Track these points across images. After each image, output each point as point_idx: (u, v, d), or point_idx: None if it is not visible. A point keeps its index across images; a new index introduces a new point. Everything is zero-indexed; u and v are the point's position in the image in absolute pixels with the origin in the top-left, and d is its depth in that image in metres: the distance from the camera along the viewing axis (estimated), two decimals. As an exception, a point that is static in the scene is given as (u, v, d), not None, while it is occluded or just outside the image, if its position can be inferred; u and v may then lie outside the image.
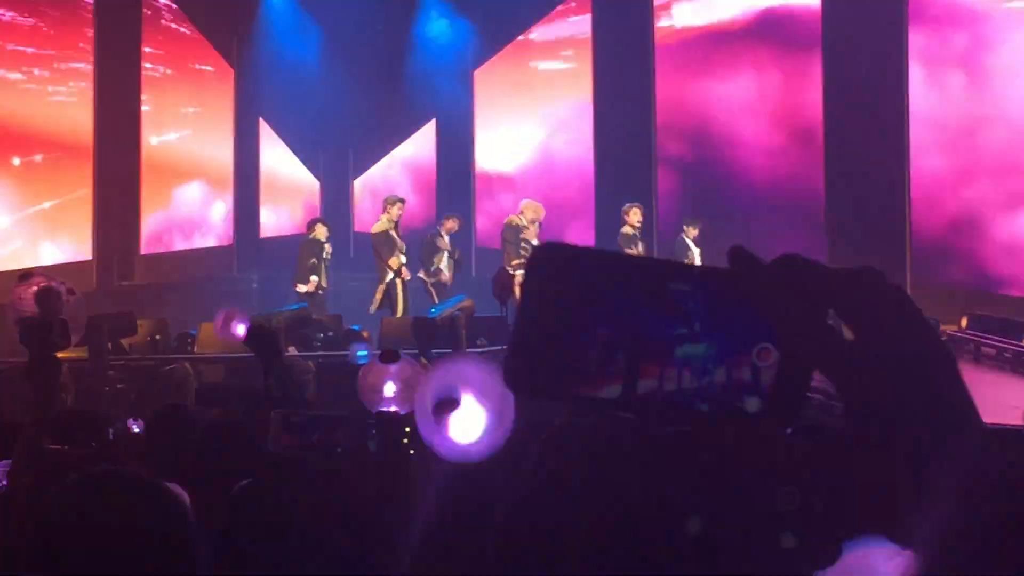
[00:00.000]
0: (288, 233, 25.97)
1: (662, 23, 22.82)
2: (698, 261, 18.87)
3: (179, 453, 5.90)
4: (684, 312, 1.15)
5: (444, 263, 20.22)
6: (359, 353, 9.43)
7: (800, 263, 1.18)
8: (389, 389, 6.37)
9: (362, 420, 6.76)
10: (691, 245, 20.05)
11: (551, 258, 1.16)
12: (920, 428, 1.13)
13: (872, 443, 1.14)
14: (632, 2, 23.12)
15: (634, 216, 19.56)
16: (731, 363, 1.14)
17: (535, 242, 18.46)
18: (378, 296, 19.84)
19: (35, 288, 12.53)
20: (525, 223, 19.16)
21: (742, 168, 21.21)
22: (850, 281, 1.18)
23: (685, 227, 20.41)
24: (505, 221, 20.09)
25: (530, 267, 1.16)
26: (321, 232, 20.86)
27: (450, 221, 20.89)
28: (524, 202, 19.92)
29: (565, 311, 1.14)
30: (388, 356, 6.30)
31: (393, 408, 6.44)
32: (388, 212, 20.16)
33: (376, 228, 20.20)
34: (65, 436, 6.20)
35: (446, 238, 20.56)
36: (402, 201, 20.61)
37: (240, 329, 8.80)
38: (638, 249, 19.15)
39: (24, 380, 11.44)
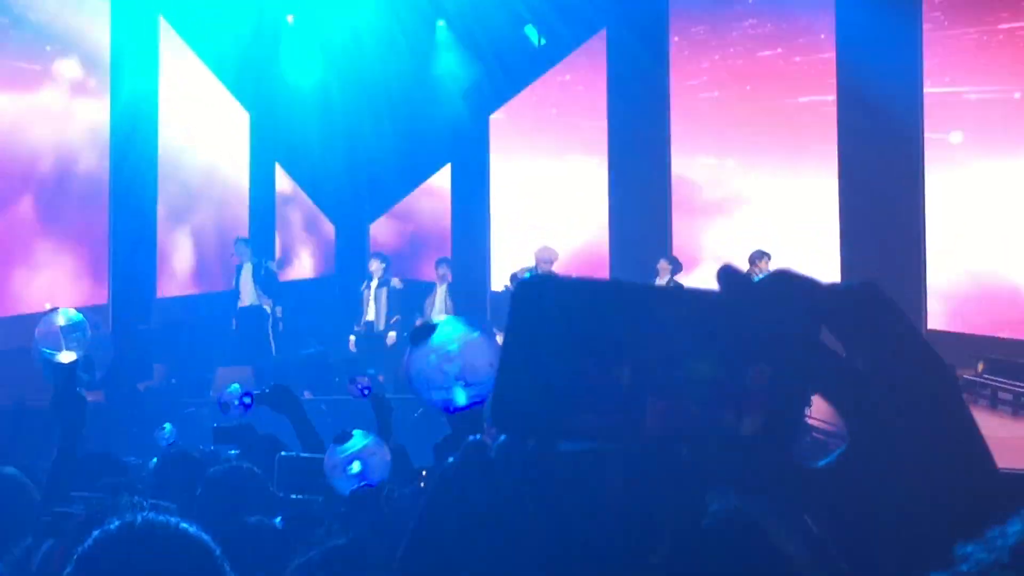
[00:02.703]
0: (304, 276, 26.01)
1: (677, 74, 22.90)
2: None
3: (187, 496, 5.91)
4: (679, 337, 1.13)
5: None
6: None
7: (792, 279, 1.17)
8: (355, 467, 6.20)
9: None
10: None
11: (539, 292, 1.15)
12: (921, 447, 1.12)
13: (872, 466, 1.12)
14: (646, 50, 23.16)
15: (764, 265, 18.99)
16: (728, 385, 1.13)
17: None
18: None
19: (60, 323, 12.51)
20: (534, 268, 19.02)
21: (759, 221, 21.24)
22: (843, 297, 1.16)
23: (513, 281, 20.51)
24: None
25: (517, 302, 1.15)
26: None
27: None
28: (540, 249, 19.82)
29: (557, 344, 1.13)
30: (340, 438, 6.12)
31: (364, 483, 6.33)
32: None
33: None
34: (86, 479, 6.20)
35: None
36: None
37: (246, 400, 8.79)
38: None
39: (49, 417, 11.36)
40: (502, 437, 1.16)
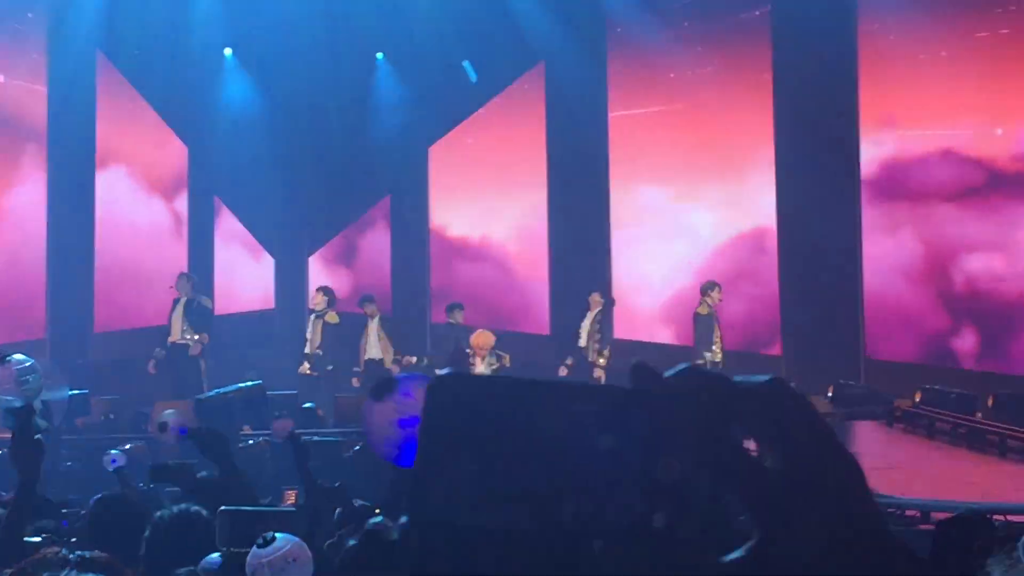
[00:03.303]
0: (242, 310, 25.90)
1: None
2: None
3: (126, 542, 5.87)
4: (592, 433, 1.14)
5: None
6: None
7: (702, 375, 1.18)
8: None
9: (311, 511, 6.71)
10: (463, 328, 20.25)
11: (454, 389, 1.15)
12: (831, 542, 1.13)
13: (783, 561, 1.13)
14: (585, 82, 23.24)
15: (716, 295, 19.07)
16: (640, 480, 1.14)
17: (480, 367, 18.50)
18: None
19: (12, 369, 12.40)
20: (472, 353, 18.97)
21: (697, 233, 21.31)
22: (754, 394, 1.17)
23: (451, 312, 20.61)
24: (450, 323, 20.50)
25: (431, 399, 1.15)
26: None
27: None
28: (475, 335, 19.72)
29: (471, 441, 1.13)
30: (263, 543, 5.97)
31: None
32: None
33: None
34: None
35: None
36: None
37: (175, 435, 8.72)
38: (716, 330, 18.86)
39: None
40: (403, 519, 1.16)
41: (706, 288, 19.09)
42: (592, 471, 1.13)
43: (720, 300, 18.93)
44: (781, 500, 1.14)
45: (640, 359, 1.17)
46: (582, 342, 20.31)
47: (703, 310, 18.94)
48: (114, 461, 9.77)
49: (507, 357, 19.36)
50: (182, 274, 20.62)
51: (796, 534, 1.14)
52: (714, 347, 18.74)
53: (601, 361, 20.04)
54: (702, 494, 1.14)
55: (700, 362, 18.49)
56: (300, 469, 8.61)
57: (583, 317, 20.34)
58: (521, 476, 1.13)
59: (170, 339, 19.78)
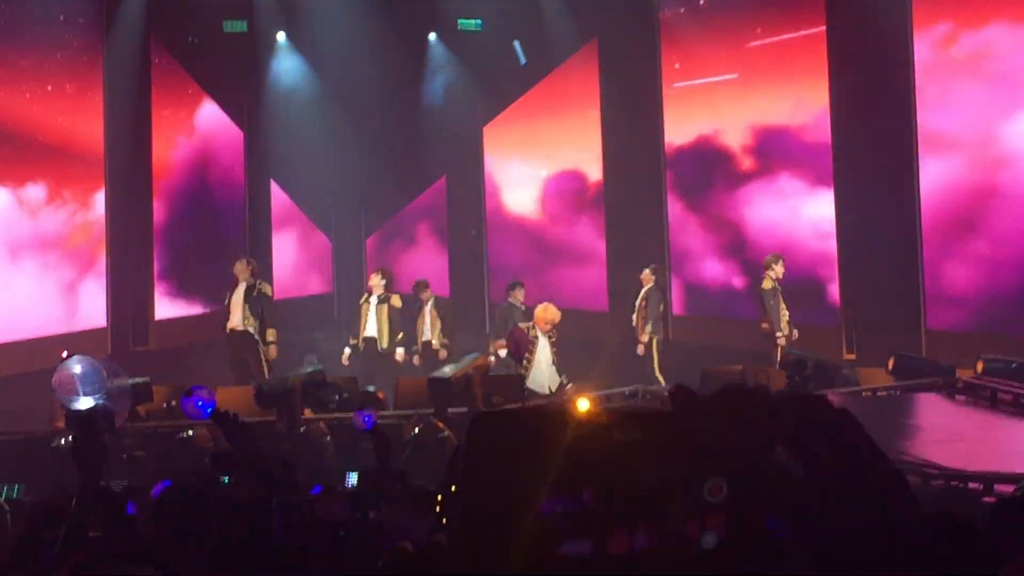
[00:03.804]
0: (302, 294, 26.02)
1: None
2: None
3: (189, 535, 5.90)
4: (636, 458, 1.14)
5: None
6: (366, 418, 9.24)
7: (741, 395, 1.17)
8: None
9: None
10: (520, 308, 20.14)
11: (495, 425, 1.15)
12: (884, 557, 1.12)
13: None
14: (638, 58, 23.17)
15: (780, 268, 18.93)
16: (687, 502, 1.13)
17: (541, 339, 18.39)
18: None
19: (76, 371, 12.50)
20: (537, 333, 18.71)
21: (750, 209, 21.24)
22: (794, 411, 1.16)
23: (511, 290, 20.55)
24: (509, 302, 20.44)
25: (472, 439, 1.15)
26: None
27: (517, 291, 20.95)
28: (540, 308, 19.50)
29: (516, 478, 1.13)
30: None
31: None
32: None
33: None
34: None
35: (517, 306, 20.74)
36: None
37: (200, 406, 8.63)
38: (781, 303, 18.77)
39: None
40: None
41: (769, 261, 18.96)
42: (639, 496, 1.13)
43: (784, 273, 18.82)
44: (824, 519, 1.13)
45: (679, 383, 1.17)
46: (634, 320, 20.32)
47: (767, 284, 18.81)
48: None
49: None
50: (241, 258, 20.61)
51: (844, 543, 1.13)
52: (783, 323, 18.65)
53: (644, 338, 20.01)
54: (750, 512, 1.14)
55: (780, 337, 18.45)
56: (380, 462, 8.55)
57: (637, 294, 20.32)
58: (568, 505, 1.12)
59: (229, 325, 19.75)
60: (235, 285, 19.85)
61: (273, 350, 19.52)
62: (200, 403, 8.49)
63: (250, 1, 23.82)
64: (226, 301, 19.86)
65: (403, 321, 20.76)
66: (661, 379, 19.45)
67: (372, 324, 20.69)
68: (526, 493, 1.15)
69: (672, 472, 1.15)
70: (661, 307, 20.39)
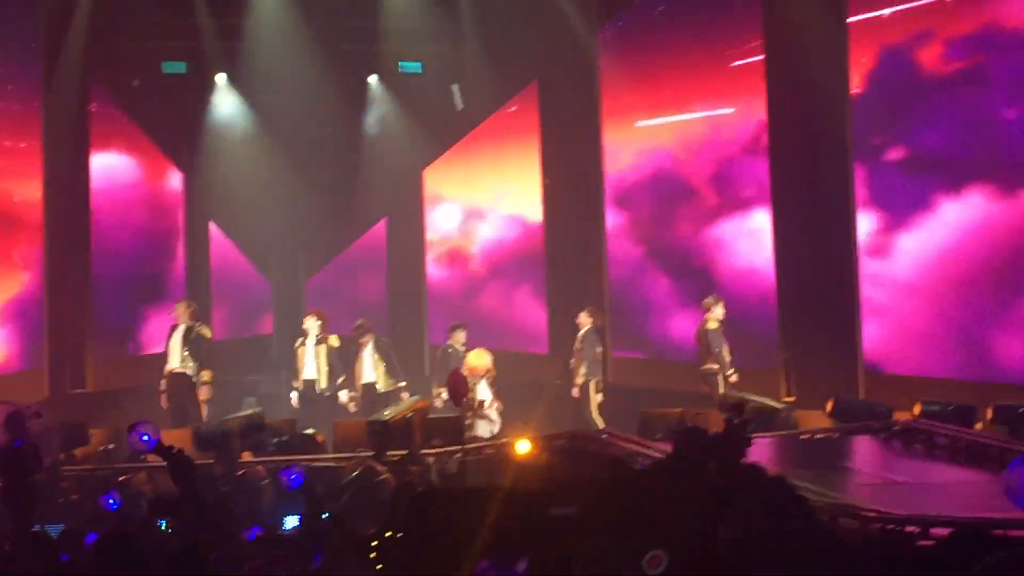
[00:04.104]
0: (241, 335, 25.92)
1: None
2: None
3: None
4: (573, 531, 1.15)
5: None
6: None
7: (678, 470, 1.19)
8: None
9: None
10: (461, 350, 20.21)
11: (430, 504, 1.16)
12: None
13: None
14: (578, 103, 23.24)
15: (720, 310, 18.97)
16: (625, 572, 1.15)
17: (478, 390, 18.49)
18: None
19: (2, 416, 12.41)
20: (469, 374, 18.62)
21: (693, 241, 21.27)
22: (730, 481, 1.18)
23: (452, 332, 20.64)
24: (449, 344, 20.53)
25: (412, 515, 1.16)
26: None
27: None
28: (470, 356, 19.52)
29: (453, 549, 1.14)
30: None
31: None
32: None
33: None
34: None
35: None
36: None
37: (146, 440, 8.57)
38: (724, 344, 18.83)
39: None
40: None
41: (709, 303, 18.97)
42: (576, 568, 1.14)
43: (724, 315, 18.89)
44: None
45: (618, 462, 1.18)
46: (571, 362, 20.36)
47: (713, 325, 18.85)
48: (111, 504, 9.67)
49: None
50: (181, 300, 20.58)
51: None
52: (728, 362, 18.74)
53: (579, 380, 20.05)
54: None
55: (732, 374, 18.52)
56: (312, 518, 8.50)
57: (575, 336, 20.37)
58: None
59: (168, 367, 19.71)
60: (174, 328, 19.82)
61: (205, 391, 19.49)
62: (145, 437, 8.45)
63: (191, 43, 23.72)
64: (165, 344, 19.84)
65: (342, 363, 20.74)
66: (599, 421, 19.48)
67: (311, 366, 20.67)
68: (461, 564, 1.16)
69: (609, 545, 1.17)
70: (599, 349, 20.39)
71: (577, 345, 20.21)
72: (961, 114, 17.13)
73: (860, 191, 18.34)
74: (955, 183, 17.00)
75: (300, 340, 20.96)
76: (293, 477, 9.48)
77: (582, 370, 20.01)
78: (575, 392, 20.10)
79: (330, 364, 20.61)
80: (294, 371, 20.92)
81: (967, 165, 16.96)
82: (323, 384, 20.58)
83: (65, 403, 20.13)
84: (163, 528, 8.73)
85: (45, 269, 21.13)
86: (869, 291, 18.25)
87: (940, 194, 17.19)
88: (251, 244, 26.71)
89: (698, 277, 20.86)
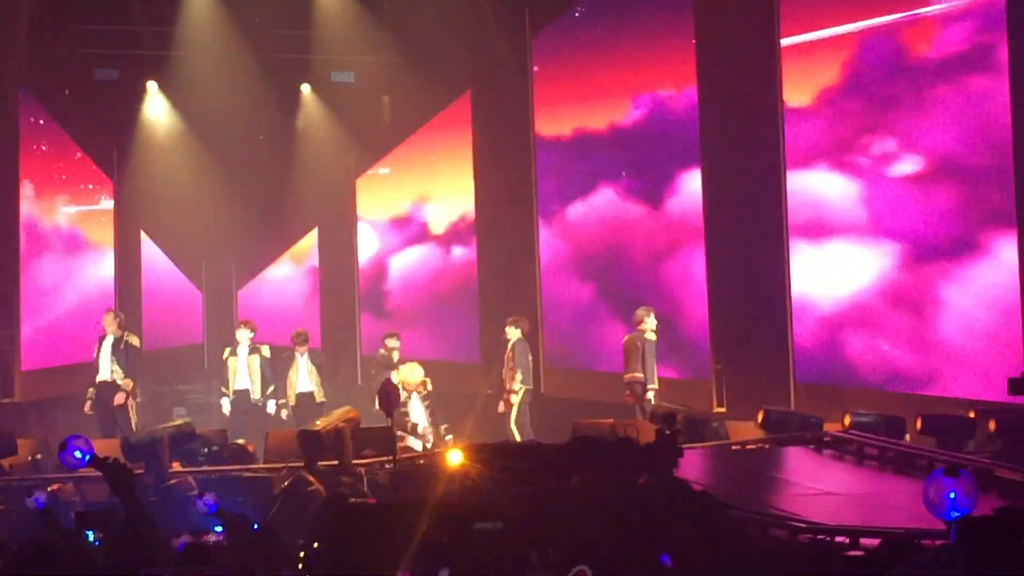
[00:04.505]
0: (172, 345, 25.76)
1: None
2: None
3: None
4: (495, 546, 1.15)
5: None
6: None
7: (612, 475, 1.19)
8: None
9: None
10: (394, 359, 20.27)
11: (354, 518, 1.15)
12: None
13: None
14: (511, 111, 23.25)
15: (652, 321, 18.83)
16: None
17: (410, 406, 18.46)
18: None
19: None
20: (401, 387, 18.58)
21: (630, 261, 21.28)
22: (660, 495, 1.18)
23: (385, 340, 20.70)
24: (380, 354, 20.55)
25: (336, 530, 1.15)
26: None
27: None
28: (401, 370, 19.49)
29: (376, 560, 1.14)
30: None
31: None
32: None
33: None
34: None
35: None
36: None
37: (79, 456, 8.52)
38: (654, 356, 18.90)
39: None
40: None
41: (641, 315, 18.94)
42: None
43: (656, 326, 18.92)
44: None
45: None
46: (503, 372, 20.29)
47: (652, 336, 18.86)
48: (38, 501, 9.62)
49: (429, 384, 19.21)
50: (109, 311, 20.43)
51: None
52: (655, 376, 18.79)
53: (515, 387, 19.96)
54: None
55: (651, 389, 18.58)
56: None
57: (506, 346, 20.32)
58: None
59: (98, 378, 19.60)
60: (102, 338, 19.70)
61: (119, 397, 19.35)
62: (77, 453, 8.38)
63: (122, 50, 23.59)
64: (95, 354, 19.72)
65: (273, 373, 20.71)
66: (515, 433, 19.40)
67: (243, 375, 20.62)
68: (384, 572, 1.15)
69: (533, 557, 1.16)
70: (529, 358, 20.31)
71: (508, 354, 20.13)
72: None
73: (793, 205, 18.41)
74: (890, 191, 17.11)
75: (230, 350, 20.90)
76: (208, 502, 9.45)
77: (518, 377, 19.91)
78: (501, 407, 19.94)
79: (263, 374, 20.58)
80: (225, 380, 20.85)
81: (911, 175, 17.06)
82: (256, 394, 20.56)
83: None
84: (90, 540, 8.66)
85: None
86: (800, 302, 18.32)
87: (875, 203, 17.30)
88: (181, 253, 26.57)
89: (631, 287, 20.88)
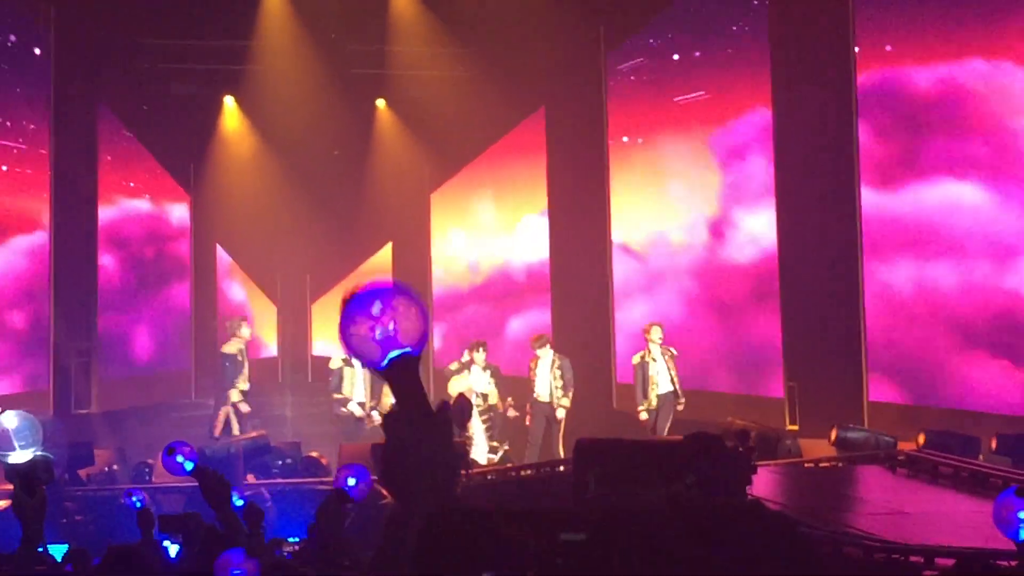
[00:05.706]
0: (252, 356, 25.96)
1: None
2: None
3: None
4: (579, 560, 1.18)
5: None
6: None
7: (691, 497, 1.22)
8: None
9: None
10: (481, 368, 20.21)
11: (449, 523, 1.19)
12: None
13: None
14: (586, 122, 23.23)
15: (655, 333, 19.15)
16: None
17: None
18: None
19: (10, 425, 12.45)
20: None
21: (696, 274, 21.25)
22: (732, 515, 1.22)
23: (472, 351, 20.56)
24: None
25: (426, 536, 1.18)
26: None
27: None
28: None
29: (469, 563, 1.17)
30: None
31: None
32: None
33: (227, 348, 20.56)
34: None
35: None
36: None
37: (187, 465, 8.57)
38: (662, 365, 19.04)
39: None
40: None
41: (648, 328, 19.17)
42: None
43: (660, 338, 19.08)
44: None
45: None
46: (549, 386, 20.15)
47: (656, 351, 19.02)
48: (139, 502, 9.70)
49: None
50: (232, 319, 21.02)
51: None
52: (652, 394, 18.93)
53: (566, 403, 19.88)
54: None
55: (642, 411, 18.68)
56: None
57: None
58: None
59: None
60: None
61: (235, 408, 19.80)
62: (181, 457, 8.46)
63: (199, 64, 23.79)
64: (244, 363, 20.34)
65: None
66: (561, 450, 19.34)
67: (360, 386, 20.50)
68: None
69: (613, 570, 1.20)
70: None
71: (556, 371, 19.98)
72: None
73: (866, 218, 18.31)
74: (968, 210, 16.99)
75: (344, 359, 20.53)
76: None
77: (570, 394, 19.89)
78: (561, 415, 19.91)
79: (373, 384, 20.44)
80: (337, 388, 20.55)
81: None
82: (367, 403, 20.44)
83: (70, 423, 20.13)
84: (167, 546, 8.76)
85: (52, 289, 21.11)
86: (874, 320, 18.21)
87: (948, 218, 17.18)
88: (257, 267, 26.75)
89: (708, 307, 20.84)
